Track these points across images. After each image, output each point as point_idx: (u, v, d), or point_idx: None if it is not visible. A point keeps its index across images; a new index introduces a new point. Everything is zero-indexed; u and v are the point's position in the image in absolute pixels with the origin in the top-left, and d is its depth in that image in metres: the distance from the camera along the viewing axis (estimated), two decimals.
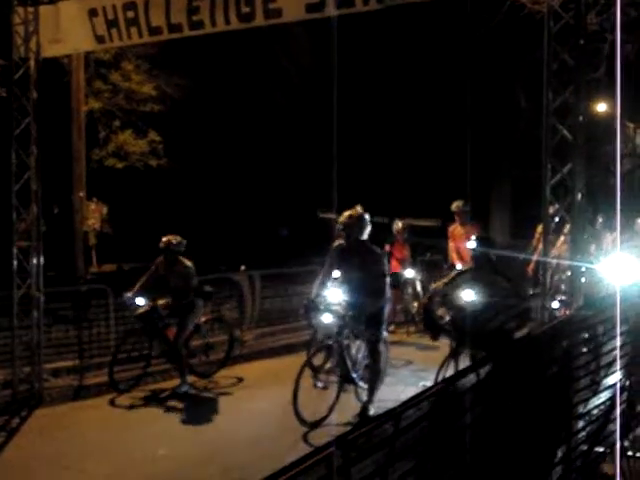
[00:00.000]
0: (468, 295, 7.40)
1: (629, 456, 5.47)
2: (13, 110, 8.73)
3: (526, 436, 4.41)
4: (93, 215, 20.22)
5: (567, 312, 7.11)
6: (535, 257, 11.51)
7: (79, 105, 17.22)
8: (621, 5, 8.87)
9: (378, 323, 7.76)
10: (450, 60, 19.06)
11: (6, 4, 8.94)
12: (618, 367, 5.11)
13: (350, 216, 7.78)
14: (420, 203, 20.50)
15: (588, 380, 5.08)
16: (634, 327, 5.43)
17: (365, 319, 7.66)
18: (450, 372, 7.13)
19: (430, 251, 14.34)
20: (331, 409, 7.54)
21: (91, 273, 18.17)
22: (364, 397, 7.86)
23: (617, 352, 5.09)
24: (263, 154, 23.96)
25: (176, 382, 9.22)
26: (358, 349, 7.92)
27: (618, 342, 5.10)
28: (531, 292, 9.29)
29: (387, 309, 8.16)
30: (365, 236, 7.79)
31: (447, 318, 7.59)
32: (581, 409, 5.01)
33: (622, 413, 5.09)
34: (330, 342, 7.81)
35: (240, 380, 9.65)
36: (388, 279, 7.86)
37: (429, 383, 7.19)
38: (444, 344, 8.09)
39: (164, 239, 9.24)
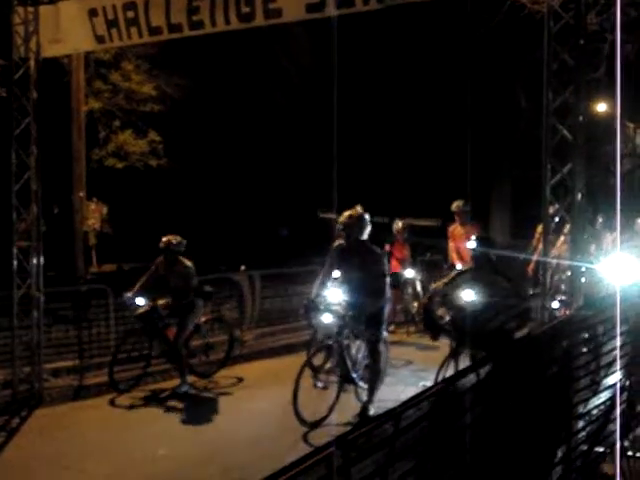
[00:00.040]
0: (468, 295, 7.39)
1: (629, 456, 5.47)
2: (13, 110, 8.73)
3: (526, 436, 4.41)
4: (93, 215, 20.23)
5: (567, 312, 7.11)
6: (535, 257, 11.51)
7: (79, 105, 17.22)
8: (621, 5, 8.87)
9: (378, 323, 7.76)
10: (450, 60, 19.06)
11: (6, 4, 8.94)
12: (618, 367, 5.11)
13: (350, 216, 7.78)
14: (420, 203, 20.50)
15: (588, 380, 5.07)
16: (634, 327, 5.43)
17: (365, 319, 7.67)
18: (450, 372, 7.13)
19: (430, 251, 14.33)
20: (331, 409, 7.53)
21: (91, 273, 18.18)
22: (364, 397, 7.86)
23: (617, 352, 5.09)
24: (263, 154, 23.96)
25: (176, 382, 9.22)
26: (358, 349, 7.92)
27: (618, 342, 5.10)
28: (531, 292, 9.29)
29: (387, 309, 8.16)
30: (365, 236, 7.79)
31: (447, 318, 7.58)
32: (581, 409, 5.01)
33: (622, 413, 5.09)
34: (330, 342, 7.81)
35: (240, 380, 9.65)
36: (388, 279, 7.86)
37: (429, 383, 7.19)
38: (444, 344, 8.08)
39: (164, 239, 9.23)
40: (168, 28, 8.06)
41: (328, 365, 7.93)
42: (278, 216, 25.12)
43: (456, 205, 11.63)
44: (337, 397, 7.64)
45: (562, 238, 7.60)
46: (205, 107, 22.38)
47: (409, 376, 9.31)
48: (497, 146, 22.61)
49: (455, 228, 11.68)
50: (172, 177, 21.56)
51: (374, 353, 7.77)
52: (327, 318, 7.81)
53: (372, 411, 7.66)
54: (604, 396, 5.12)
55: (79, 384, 9.41)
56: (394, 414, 3.34)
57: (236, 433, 7.57)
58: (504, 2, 13.67)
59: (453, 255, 11.57)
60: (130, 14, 8.11)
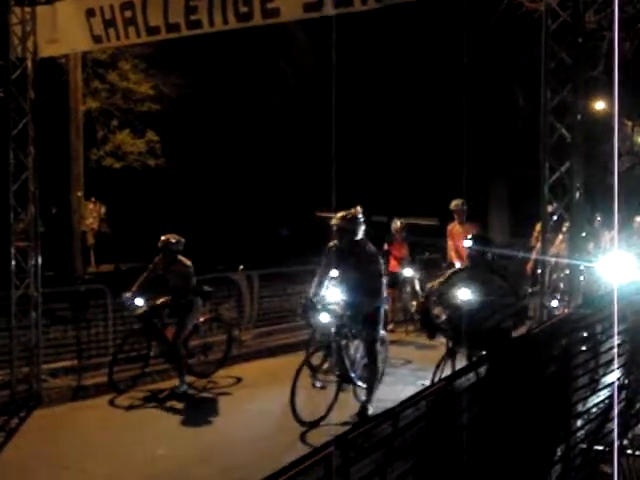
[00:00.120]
0: (464, 294, 7.39)
1: (628, 454, 5.47)
2: (10, 110, 8.71)
3: (525, 435, 4.41)
4: (91, 215, 20.25)
5: (566, 310, 7.11)
6: (534, 256, 11.53)
7: (77, 105, 17.22)
8: (619, 3, 8.87)
9: (374, 323, 7.75)
10: (447, 59, 19.04)
11: (3, 4, 8.92)
12: (616, 365, 5.11)
13: (342, 218, 7.74)
14: (419, 202, 20.50)
15: (587, 379, 5.07)
16: (632, 325, 5.43)
17: (362, 319, 7.67)
18: (447, 371, 7.13)
19: (429, 250, 14.33)
20: (330, 409, 7.54)
21: (89, 273, 18.19)
22: (363, 397, 7.86)
23: (615, 350, 5.10)
24: (262, 154, 23.95)
25: (175, 382, 9.20)
26: (356, 349, 7.92)
27: (616, 340, 5.11)
28: (530, 290, 9.29)
29: (384, 309, 8.16)
30: (360, 236, 7.76)
31: (443, 317, 7.57)
32: (580, 408, 5.01)
33: (621, 411, 5.09)
34: (328, 341, 7.81)
35: (239, 380, 9.64)
36: (385, 279, 7.85)
37: (428, 382, 7.17)
38: (442, 343, 8.08)
39: (163, 238, 9.21)
40: (166, 28, 8.05)
41: (326, 365, 7.93)
42: (278, 216, 25.11)
43: (455, 204, 11.64)
44: (336, 397, 7.65)
45: (560, 237, 7.61)
46: (203, 107, 22.37)
47: (408, 375, 9.31)
48: (495, 145, 22.62)
49: (454, 227, 11.69)
50: (170, 177, 21.56)
51: (371, 353, 7.77)
52: (325, 318, 7.80)
53: (371, 411, 7.66)
54: (603, 394, 5.12)
55: (78, 384, 9.39)
56: (393, 414, 3.34)
57: (235, 433, 7.56)
58: (501, 0, 13.66)
59: (452, 254, 11.58)
60: (128, 14, 8.09)
